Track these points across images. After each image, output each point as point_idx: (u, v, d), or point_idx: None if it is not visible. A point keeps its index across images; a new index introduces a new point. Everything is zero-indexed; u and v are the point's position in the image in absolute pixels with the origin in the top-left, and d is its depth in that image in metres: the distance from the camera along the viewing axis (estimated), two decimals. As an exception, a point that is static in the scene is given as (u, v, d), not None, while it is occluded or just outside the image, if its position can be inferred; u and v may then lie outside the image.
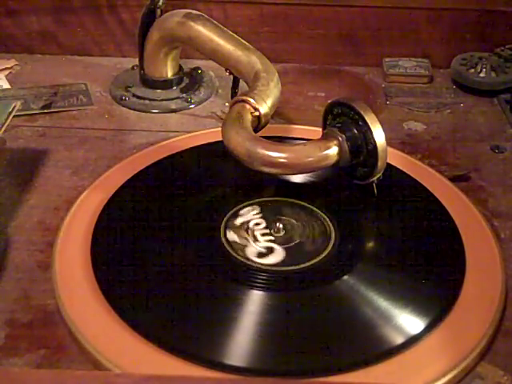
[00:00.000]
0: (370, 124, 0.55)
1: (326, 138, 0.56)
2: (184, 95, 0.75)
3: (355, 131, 0.55)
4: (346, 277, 0.50)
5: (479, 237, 0.54)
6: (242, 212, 0.56)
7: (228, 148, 0.55)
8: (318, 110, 0.60)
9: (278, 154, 0.54)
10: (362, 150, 0.55)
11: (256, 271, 0.50)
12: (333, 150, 0.55)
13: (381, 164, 0.55)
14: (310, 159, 0.55)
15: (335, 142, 0.55)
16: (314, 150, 0.55)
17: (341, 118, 0.57)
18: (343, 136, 0.55)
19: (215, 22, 0.69)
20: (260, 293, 0.49)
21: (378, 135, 0.55)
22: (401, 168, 0.61)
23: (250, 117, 0.57)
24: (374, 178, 0.56)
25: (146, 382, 0.34)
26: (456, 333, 0.46)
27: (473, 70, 0.77)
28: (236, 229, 0.54)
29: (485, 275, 0.51)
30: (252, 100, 0.58)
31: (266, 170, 0.54)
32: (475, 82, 0.76)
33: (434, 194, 0.58)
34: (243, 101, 0.58)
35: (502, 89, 0.76)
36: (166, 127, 0.70)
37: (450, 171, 0.64)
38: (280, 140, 0.63)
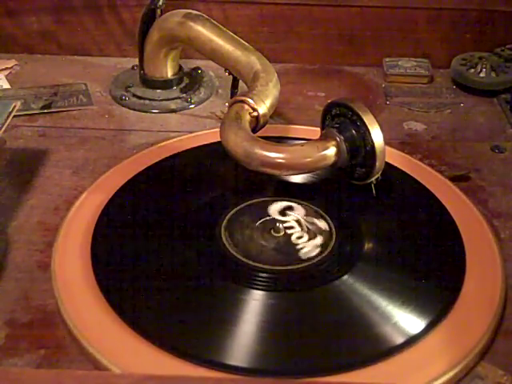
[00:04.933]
0: (368, 125, 0.55)
1: (324, 138, 0.56)
2: (184, 95, 0.75)
3: (353, 132, 0.55)
4: (345, 277, 0.50)
5: (479, 237, 0.54)
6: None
7: (226, 148, 0.55)
8: (318, 109, 0.60)
9: (275, 155, 0.54)
10: (360, 150, 0.55)
11: (256, 271, 0.50)
12: (331, 151, 0.55)
13: (379, 165, 0.55)
14: (308, 160, 0.55)
15: (333, 142, 0.55)
16: (311, 151, 0.55)
17: (339, 118, 0.57)
18: (341, 137, 0.55)
19: (215, 22, 0.69)
20: (260, 293, 0.49)
21: (376, 136, 0.55)
22: (401, 168, 0.61)
23: (248, 117, 0.57)
24: (373, 179, 0.56)
25: (146, 382, 0.34)
26: (456, 333, 0.46)
27: (473, 70, 0.77)
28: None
29: (485, 275, 0.51)
30: (250, 100, 0.58)
31: (264, 170, 0.54)
32: (475, 81, 0.77)
33: (434, 193, 0.58)
34: (242, 101, 0.58)
35: (501, 89, 0.76)
36: (166, 127, 0.70)
37: (450, 171, 0.64)
38: (279, 140, 0.63)
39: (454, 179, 0.62)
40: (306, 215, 0.56)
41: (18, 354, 0.45)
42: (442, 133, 0.71)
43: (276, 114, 0.68)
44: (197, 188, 0.60)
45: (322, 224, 0.55)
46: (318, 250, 0.52)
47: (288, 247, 0.53)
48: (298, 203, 0.57)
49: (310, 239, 0.53)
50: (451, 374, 0.44)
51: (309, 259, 0.51)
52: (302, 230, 0.54)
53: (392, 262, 0.52)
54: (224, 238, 0.53)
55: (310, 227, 0.54)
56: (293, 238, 0.53)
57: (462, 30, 0.81)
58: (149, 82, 0.75)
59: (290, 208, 0.56)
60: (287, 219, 0.55)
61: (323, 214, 0.56)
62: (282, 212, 0.56)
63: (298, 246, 0.53)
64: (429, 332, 0.46)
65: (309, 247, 0.53)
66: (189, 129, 0.70)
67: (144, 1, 0.73)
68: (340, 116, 0.57)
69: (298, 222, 0.55)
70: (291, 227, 0.54)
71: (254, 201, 0.57)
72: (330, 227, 0.55)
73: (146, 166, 0.61)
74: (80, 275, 0.50)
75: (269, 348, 0.45)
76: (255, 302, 0.48)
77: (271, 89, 0.61)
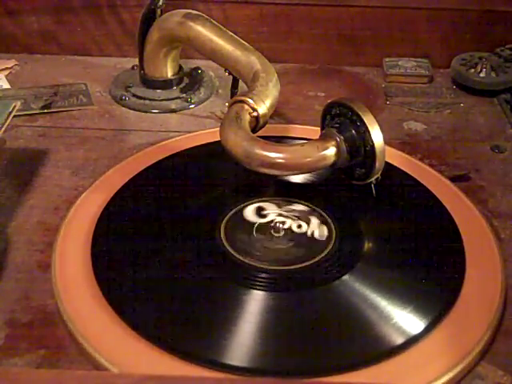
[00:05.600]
0: (368, 125, 0.55)
1: (323, 138, 0.56)
2: (184, 95, 0.75)
3: (353, 132, 0.55)
4: (345, 277, 0.50)
5: (479, 237, 0.54)
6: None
7: (225, 148, 0.55)
8: (318, 110, 0.60)
9: (275, 155, 0.54)
10: (359, 150, 0.55)
11: (256, 271, 0.50)
12: (331, 151, 0.55)
13: (379, 165, 0.55)
14: (308, 160, 0.55)
15: (333, 142, 0.55)
16: (311, 151, 0.55)
17: (339, 118, 0.57)
18: (341, 137, 0.55)
19: (215, 22, 0.69)
20: (260, 293, 0.49)
21: (376, 136, 0.55)
22: (401, 168, 0.61)
23: (248, 117, 0.57)
24: (373, 179, 0.56)
25: (146, 382, 0.34)
26: (456, 333, 0.46)
27: (473, 70, 0.77)
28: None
29: (485, 275, 0.51)
30: (250, 100, 0.58)
31: (264, 170, 0.54)
32: (475, 81, 0.77)
33: (434, 193, 0.58)
34: (242, 101, 0.58)
35: (501, 89, 0.76)
36: (166, 127, 0.70)
37: (449, 171, 0.64)
38: (279, 140, 0.63)
39: (454, 179, 0.62)
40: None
41: (18, 354, 0.45)
42: (442, 133, 0.71)
43: (276, 114, 0.68)
44: (197, 188, 0.59)
45: (322, 223, 0.55)
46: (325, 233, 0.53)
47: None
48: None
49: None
50: (451, 374, 0.44)
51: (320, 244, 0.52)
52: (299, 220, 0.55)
53: (392, 262, 0.52)
54: (224, 238, 0.53)
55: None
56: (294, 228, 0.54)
57: (462, 29, 0.81)
58: (149, 82, 0.75)
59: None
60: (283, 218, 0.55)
61: (323, 213, 0.56)
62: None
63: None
64: (429, 332, 0.46)
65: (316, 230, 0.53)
66: (189, 129, 0.70)
67: (144, 1, 0.73)
68: (340, 116, 0.57)
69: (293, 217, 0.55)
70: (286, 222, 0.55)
71: (254, 200, 0.57)
72: (329, 227, 0.55)
73: (145, 166, 0.61)
74: (80, 275, 0.50)
75: (269, 348, 0.45)
76: (255, 301, 0.48)
77: (271, 89, 0.61)
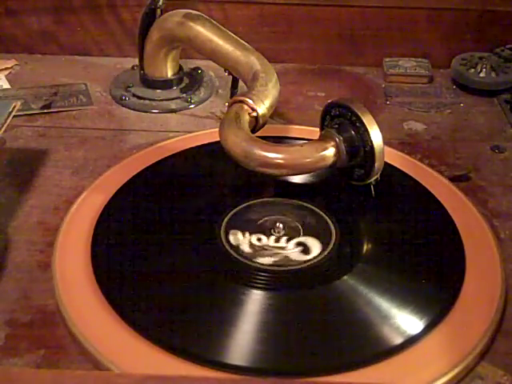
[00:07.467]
0: (367, 125, 0.55)
1: (323, 139, 0.56)
2: (184, 95, 0.75)
3: (352, 132, 0.55)
4: (345, 277, 0.50)
5: (479, 237, 0.54)
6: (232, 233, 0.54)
7: (225, 148, 0.56)
8: (318, 110, 0.60)
9: (274, 155, 0.54)
10: (359, 151, 0.55)
11: (256, 271, 0.50)
12: (330, 151, 0.55)
13: (378, 165, 0.55)
14: (307, 160, 0.55)
15: (332, 143, 0.55)
16: (310, 151, 0.55)
17: (338, 119, 0.57)
18: (340, 137, 0.55)
19: (215, 22, 0.69)
20: (260, 293, 0.49)
21: (376, 136, 0.55)
22: (401, 168, 0.61)
23: (247, 117, 0.57)
24: (372, 180, 0.56)
25: (146, 382, 0.35)
26: (456, 333, 0.46)
27: (473, 70, 0.77)
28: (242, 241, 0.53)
29: (485, 275, 0.51)
30: (250, 100, 0.58)
31: (263, 170, 0.54)
32: (475, 81, 0.77)
33: (434, 194, 0.58)
34: (241, 101, 0.58)
35: (501, 89, 0.76)
36: (166, 127, 0.70)
37: (450, 171, 0.64)
38: (279, 140, 0.63)
39: (454, 179, 0.62)
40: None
41: (18, 354, 0.45)
42: (442, 133, 0.71)
43: (276, 114, 0.68)
44: (196, 188, 0.59)
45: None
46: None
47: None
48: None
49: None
50: (451, 374, 0.44)
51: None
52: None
53: (392, 262, 0.52)
54: (224, 238, 0.53)
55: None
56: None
57: (462, 30, 0.81)
58: (149, 82, 0.75)
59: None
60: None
61: (323, 214, 0.56)
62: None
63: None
64: (429, 332, 0.46)
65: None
66: (189, 129, 0.70)
67: (144, 1, 0.73)
68: (339, 116, 0.57)
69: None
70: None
71: (254, 201, 0.57)
72: (330, 227, 0.55)
73: (145, 166, 0.61)
74: (80, 275, 0.50)
75: (269, 348, 0.45)
76: (255, 301, 0.48)
77: (270, 89, 0.61)
